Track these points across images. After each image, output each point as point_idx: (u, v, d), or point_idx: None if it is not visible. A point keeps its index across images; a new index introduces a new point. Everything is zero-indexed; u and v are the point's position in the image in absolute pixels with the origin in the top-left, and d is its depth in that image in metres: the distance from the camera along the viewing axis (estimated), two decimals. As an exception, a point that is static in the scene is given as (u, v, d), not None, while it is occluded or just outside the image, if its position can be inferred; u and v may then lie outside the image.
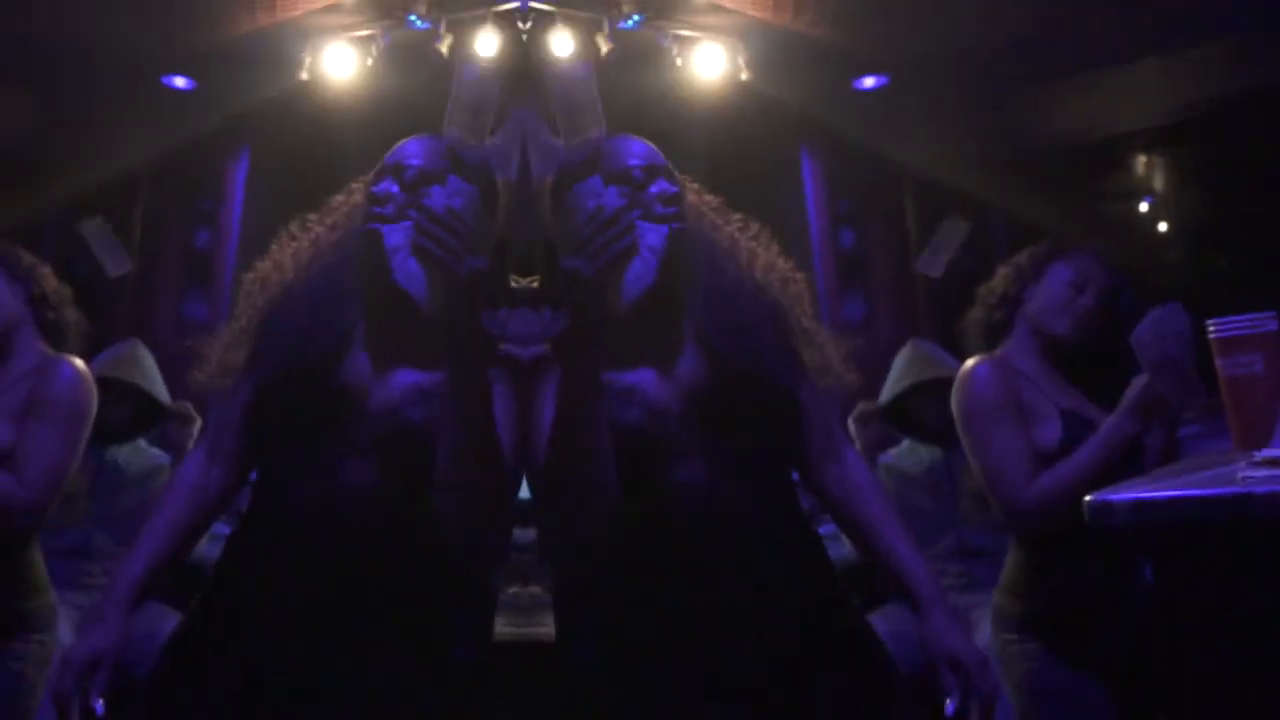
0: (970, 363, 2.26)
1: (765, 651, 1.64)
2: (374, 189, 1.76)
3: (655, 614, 1.66)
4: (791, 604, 1.69)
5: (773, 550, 1.70)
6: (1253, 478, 1.20)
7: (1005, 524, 2.18)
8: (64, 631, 2.28)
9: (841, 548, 2.04)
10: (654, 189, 1.77)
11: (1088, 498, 1.25)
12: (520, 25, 3.27)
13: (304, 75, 3.42)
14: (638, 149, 1.82)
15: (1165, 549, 1.24)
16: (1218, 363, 1.60)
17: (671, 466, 1.66)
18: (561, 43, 3.35)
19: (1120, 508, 1.20)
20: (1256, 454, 1.43)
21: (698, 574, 1.66)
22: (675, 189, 1.79)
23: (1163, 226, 5.29)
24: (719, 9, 3.62)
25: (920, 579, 1.78)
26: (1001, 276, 2.37)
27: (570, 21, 3.36)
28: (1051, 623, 2.11)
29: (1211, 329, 1.62)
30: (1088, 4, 4.05)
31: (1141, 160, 5.23)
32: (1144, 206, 5.30)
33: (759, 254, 1.89)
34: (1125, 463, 2.07)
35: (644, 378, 1.70)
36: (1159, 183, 5.30)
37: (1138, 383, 2.04)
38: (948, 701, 1.70)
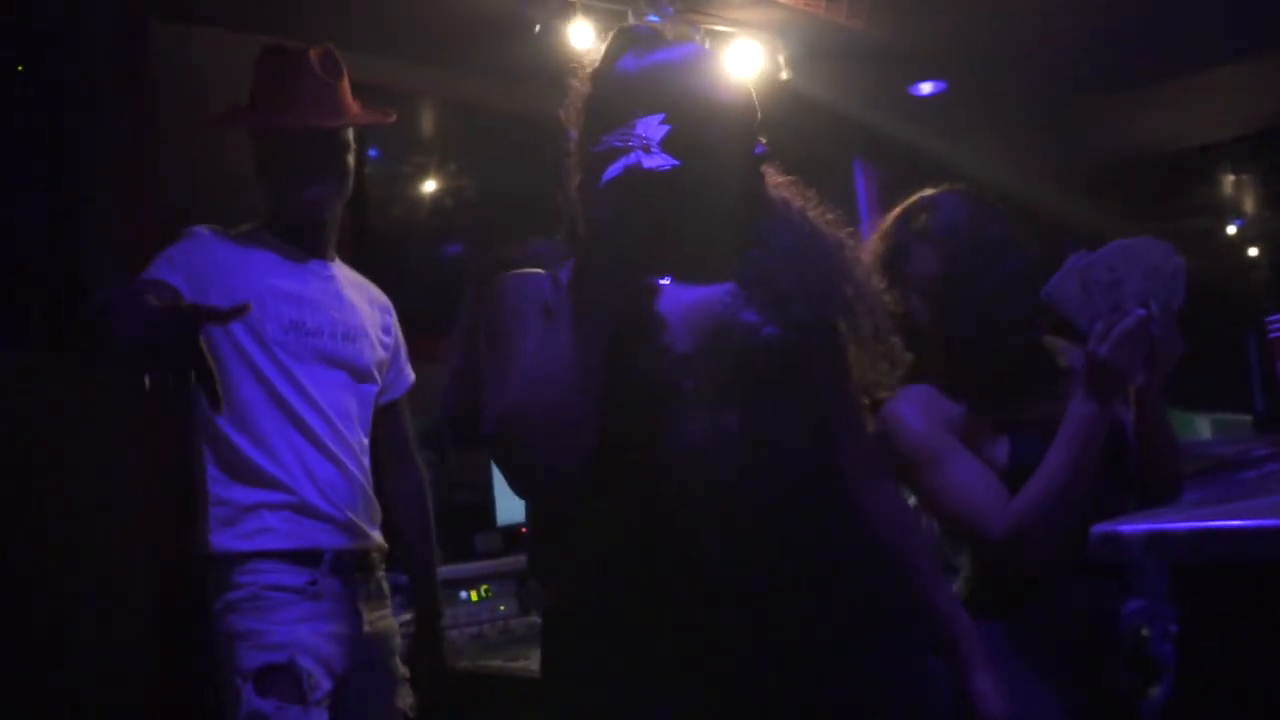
0: (888, 402, 1.82)
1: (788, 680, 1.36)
2: None
3: (646, 620, 1.39)
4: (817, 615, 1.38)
5: (789, 536, 1.39)
6: (1308, 506, 0.95)
7: (991, 564, 1.80)
8: None
9: None
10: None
11: (1093, 529, 1.00)
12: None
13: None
14: None
15: (1190, 592, 0.98)
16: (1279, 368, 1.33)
17: (670, 420, 1.38)
18: (582, 34, 3.14)
19: (1132, 541, 0.95)
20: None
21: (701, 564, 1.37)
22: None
23: (1247, 243, 4.97)
24: (757, 1, 3.39)
25: (963, 638, 1.52)
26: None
27: (592, 13, 3.15)
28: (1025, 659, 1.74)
29: (1274, 326, 1.34)
30: (1165, 5, 3.77)
31: (1223, 173, 4.92)
32: (1226, 221, 4.99)
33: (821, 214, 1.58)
34: (1120, 457, 1.76)
35: (664, 312, 1.43)
36: (1241, 197, 4.98)
37: (1081, 353, 1.69)
38: None
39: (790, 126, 4.03)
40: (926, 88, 4.39)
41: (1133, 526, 0.95)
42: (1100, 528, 0.98)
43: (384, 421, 2.27)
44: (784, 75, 3.58)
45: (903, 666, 1.47)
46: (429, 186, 3.78)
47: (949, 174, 4.72)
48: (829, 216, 1.55)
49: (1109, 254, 1.68)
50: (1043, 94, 4.55)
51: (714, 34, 3.44)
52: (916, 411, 1.80)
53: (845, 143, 4.53)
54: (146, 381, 1.41)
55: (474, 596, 2.84)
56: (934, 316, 1.85)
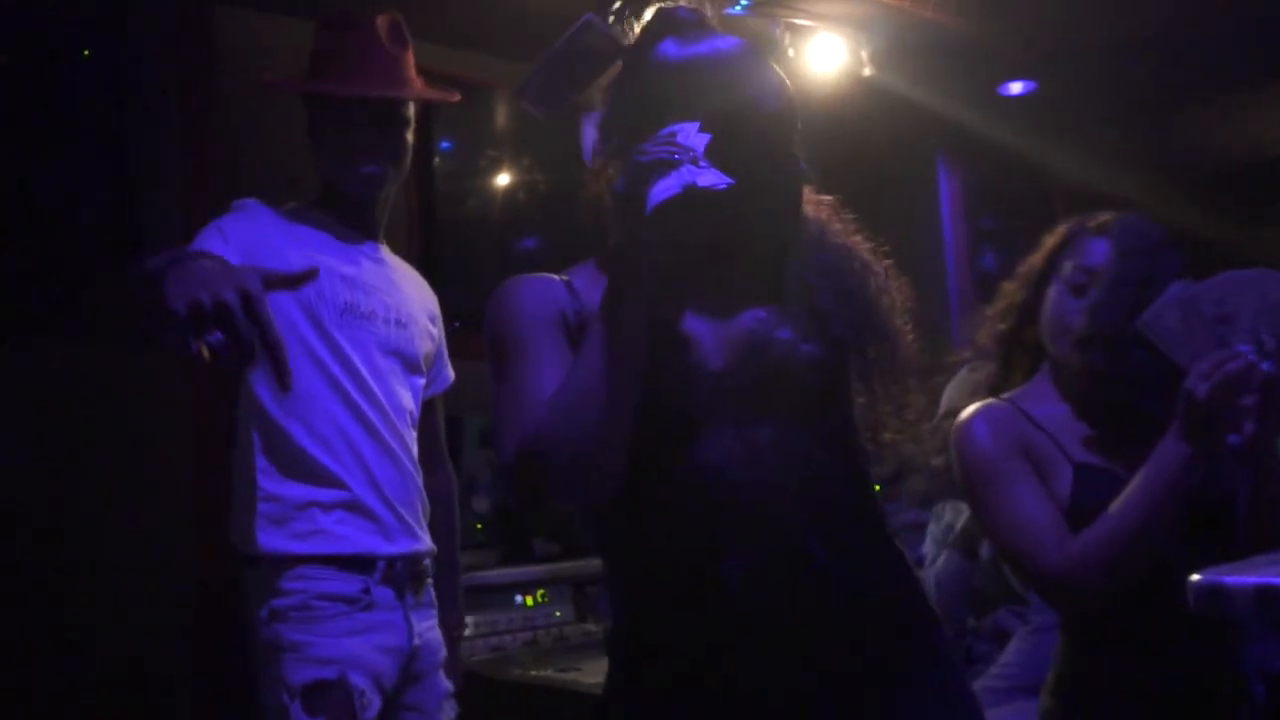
0: (965, 414, 1.75)
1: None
2: None
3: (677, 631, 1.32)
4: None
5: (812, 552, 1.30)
6: None
7: (1047, 602, 1.72)
8: None
9: None
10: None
11: (1194, 577, 0.89)
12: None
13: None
14: None
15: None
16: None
17: (699, 438, 1.29)
18: (656, 27, 3.05)
19: (1240, 595, 0.84)
20: None
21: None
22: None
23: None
24: (839, -6, 3.28)
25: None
26: (1015, 280, 1.83)
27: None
28: None
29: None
30: (1264, 4, 3.58)
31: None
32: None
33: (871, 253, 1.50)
34: (1221, 509, 1.60)
35: (697, 328, 1.35)
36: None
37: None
38: None
39: (872, 124, 3.93)
40: (1016, 87, 4.23)
41: (1238, 580, 0.84)
42: (1202, 580, 0.87)
43: (419, 419, 2.14)
44: (866, 71, 3.47)
45: (936, 696, 1.35)
46: (501, 180, 3.72)
47: (1037, 176, 4.57)
48: (868, 244, 1.46)
49: (1218, 285, 1.53)
50: (1138, 97, 4.36)
51: (795, 28, 3.34)
52: (988, 430, 1.71)
53: (929, 141, 4.40)
54: (205, 352, 1.18)
55: (529, 601, 2.76)
56: (1074, 308, 1.71)
